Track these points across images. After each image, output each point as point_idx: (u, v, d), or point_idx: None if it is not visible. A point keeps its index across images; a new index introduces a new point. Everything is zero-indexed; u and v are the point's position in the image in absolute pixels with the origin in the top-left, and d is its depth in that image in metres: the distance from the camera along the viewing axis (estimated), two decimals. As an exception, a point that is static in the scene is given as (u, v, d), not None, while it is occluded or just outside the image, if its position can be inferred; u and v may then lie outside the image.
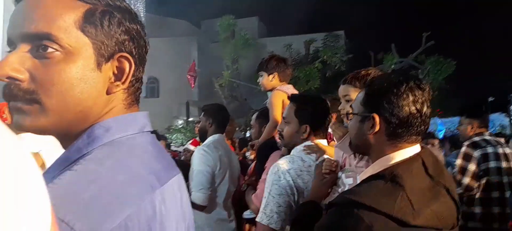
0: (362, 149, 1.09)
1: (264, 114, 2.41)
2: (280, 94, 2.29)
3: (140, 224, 0.52)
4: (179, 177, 0.68)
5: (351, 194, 0.94)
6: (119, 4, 0.61)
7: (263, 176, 2.05)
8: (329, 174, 1.37)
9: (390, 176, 0.92)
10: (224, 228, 2.44)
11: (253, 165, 2.72)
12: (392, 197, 0.88)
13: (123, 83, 0.60)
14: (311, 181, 1.51)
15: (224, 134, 2.66)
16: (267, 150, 2.20)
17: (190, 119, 18.57)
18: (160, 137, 6.01)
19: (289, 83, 2.42)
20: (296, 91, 2.35)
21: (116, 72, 0.60)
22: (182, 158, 5.70)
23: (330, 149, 1.68)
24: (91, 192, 0.49)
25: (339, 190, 1.37)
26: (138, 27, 0.63)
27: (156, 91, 21.53)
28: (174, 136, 17.24)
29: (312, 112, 1.68)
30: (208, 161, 2.35)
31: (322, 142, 1.70)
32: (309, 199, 1.40)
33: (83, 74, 0.56)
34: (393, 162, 0.97)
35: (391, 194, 0.89)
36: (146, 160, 0.60)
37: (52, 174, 0.53)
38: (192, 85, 15.82)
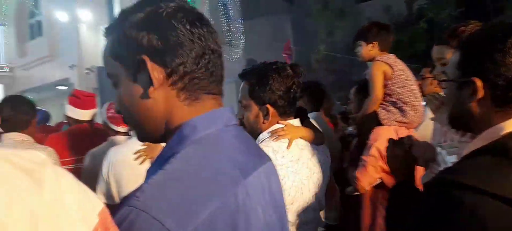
0: (462, 121, 0.93)
1: (364, 88, 2.31)
2: (380, 65, 2.16)
3: (224, 218, 0.55)
4: (268, 166, 0.69)
5: (450, 172, 0.80)
6: (126, 13, 0.63)
7: (364, 153, 2.02)
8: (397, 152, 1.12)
9: (500, 150, 0.77)
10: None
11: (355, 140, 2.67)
12: (502, 175, 0.72)
13: (152, 84, 0.61)
14: (289, 177, 1.22)
15: (321, 111, 2.65)
16: (369, 124, 2.15)
17: (290, 96, 18.79)
18: None
19: (390, 49, 2.25)
20: (398, 61, 2.20)
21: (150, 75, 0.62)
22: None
23: (305, 130, 1.37)
24: (178, 190, 0.53)
25: (440, 169, 1.16)
26: (154, 15, 0.61)
27: (256, 72, 22.24)
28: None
29: (270, 88, 1.33)
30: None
31: (294, 122, 1.37)
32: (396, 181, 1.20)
33: (128, 91, 0.64)
34: (503, 132, 0.81)
35: (502, 171, 0.73)
36: (229, 154, 0.62)
37: (152, 172, 0.59)
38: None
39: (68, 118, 2.80)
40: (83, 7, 11.10)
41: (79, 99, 2.80)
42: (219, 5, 14.58)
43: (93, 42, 11.67)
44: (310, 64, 16.36)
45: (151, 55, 0.61)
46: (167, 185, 0.54)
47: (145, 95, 0.62)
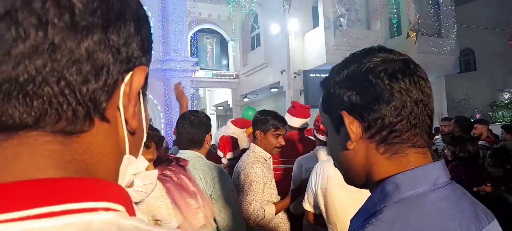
0: None
1: None
2: None
3: None
4: (490, 228, 0.62)
5: None
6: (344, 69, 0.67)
7: None
8: None
9: None
10: None
11: None
12: None
13: (350, 138, 0.64)
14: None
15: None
16: None
17: (523, 91, 15.42)
18: (476, 122, 5.26)
19: None
20: None
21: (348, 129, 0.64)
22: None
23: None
24: None
25: None
26: (355, 72, 0.64)
27: (472, 63, 19.19)
28: (499, 113, 14.85)
29: None
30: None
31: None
32: None
33: (332, 141, 0.71)
34: None
35: None
36: (438, 221, 0.57)
37: (356, 222, 0.64)
38: (520, 52, 13.04)
39: None
40: (292, 17, 12.34)
41: (295, 109, 3.27)
42: (427, -6, 13.37)
43: (299, 49, 12.81)
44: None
45: (350, 110, 0.64)
46: None
47: (345, 147, 0.65)
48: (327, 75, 0.71)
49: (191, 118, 2.02)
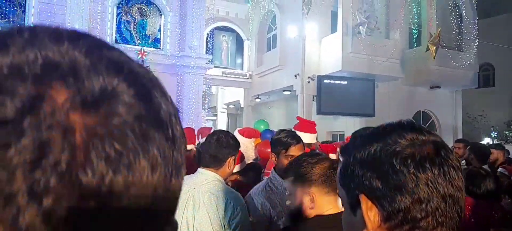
0: None
1: None
2: None
3: None
4: None
5: None
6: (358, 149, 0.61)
7: None
8: None
9: None
10: None
11: None
12: None
13: (366, 226, 0.58)
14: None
15: None
16: None
17: (540, 111, 14.95)
18: (492, 146, 5.03)
19: None
20: None
21: (364, 214, 0.59)
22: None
23: None
24: None
25: None
26: (379, 154, 0.58)
27: (491, 79, 18.74)
28: (516, 133, 14.46)
29: None
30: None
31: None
32: None
33: (347, 219, 0.65)
34: None
35: None
36: None
37: None
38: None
39: None
40: (310, 21, 12.18)
41: (298, 123, 3.21)
42: (450, 5, 13.00)
43: (315, 54, 12.66)
44: None
45: (369, 195, 0.58)
46: None
47: None
48: (348, 143, 0.65)
49: (220, 135, 2.00)
